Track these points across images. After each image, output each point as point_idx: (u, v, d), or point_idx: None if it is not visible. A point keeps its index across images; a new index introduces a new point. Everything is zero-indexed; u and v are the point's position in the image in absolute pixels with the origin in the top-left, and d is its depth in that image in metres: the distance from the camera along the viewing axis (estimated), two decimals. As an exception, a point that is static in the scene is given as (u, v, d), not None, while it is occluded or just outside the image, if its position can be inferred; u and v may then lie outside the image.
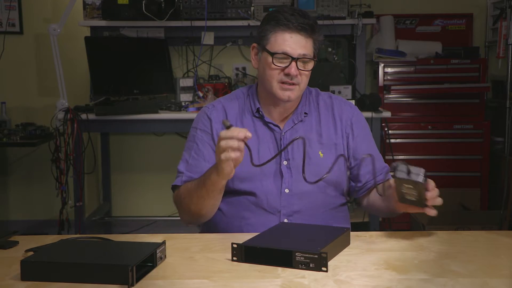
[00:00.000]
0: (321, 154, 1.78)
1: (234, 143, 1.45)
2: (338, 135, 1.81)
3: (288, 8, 1.73)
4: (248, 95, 1.84)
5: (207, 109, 1.83)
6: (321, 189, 1.77)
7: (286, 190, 1.75)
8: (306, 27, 1.68)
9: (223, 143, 1.45)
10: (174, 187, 1.79)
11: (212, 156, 1.75)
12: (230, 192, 1.78)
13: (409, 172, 1.45)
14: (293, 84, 1.70)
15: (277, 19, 1.69)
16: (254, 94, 1.83)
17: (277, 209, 1.74)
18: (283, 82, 1.70)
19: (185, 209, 1.70)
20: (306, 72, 1.72)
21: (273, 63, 1.69)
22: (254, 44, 1.78)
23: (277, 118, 1.80)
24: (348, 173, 1.82)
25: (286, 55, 1.68)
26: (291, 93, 1.72)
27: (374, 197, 1.78)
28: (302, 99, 1.82)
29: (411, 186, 1.47)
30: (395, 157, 3.88)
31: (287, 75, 1.69)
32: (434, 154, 3.98)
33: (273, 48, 1.69)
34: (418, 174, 1.45)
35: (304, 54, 1.68)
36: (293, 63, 1.68)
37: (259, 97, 1.81)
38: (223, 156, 1.46)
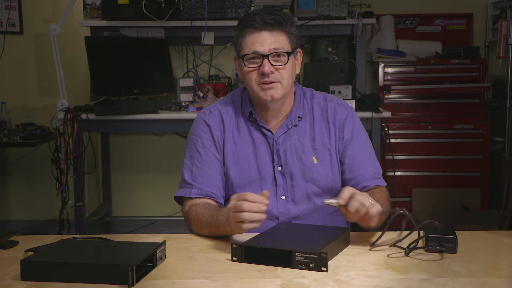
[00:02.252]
0: (315, 160, 1.75)
1: (258, 217, 1.41)
2: (332, 139, 1.77)
3: (256, 10, 1.73)
4: (242, 98, 1.82)
5: (204, 115, 1.81)
6: (317, 195, 1.75)
7: (282, 197, 1.73)
8: (272, 22, 1.65)
9: (246, 215, 1.40)
10: (182, 198, 1.75)
11: (216, 164, 1.75)
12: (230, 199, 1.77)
13: None
14: (272, 82, 1.67)
15: (243, 22, 1.68)
16: (247, 97, 1.80)
17: (275, 215, 1.72)
18: (262, 83, 1.68)
19: (194, 231, 1.66)
20: (283, 67, 1.68)
21: (245, 65, 1.68)
22: (235, 55, 1.76)
23: (271, 121, 1.78)
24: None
25: (257, 54, 1.66)
26: (274, 92, 1.68)
27: None
28: (296, 102, 1.79)
29: None
30: (395, 157, 3.88)
31: (263, 74, 1.66)
32: (434, 154, 3.97)
33: (244, 51, 1.68)
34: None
35: (275, 48, 1.66)
36: (265, 61, 1.65)
37: (252, 101, 1.79)
38: (244, 226, 1.42)
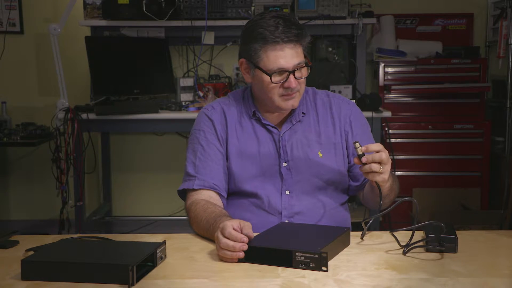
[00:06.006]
0: (320, 154, 1.78)
1: (237, 255, 1.37)
2: (337, 134, 1.81)
3: (270, 18, 1.67)
4: (243, 97, 1.84)
5: (207, 110, 1.83)
6: (321, 189, 1.77)
7: (287, 192, 1.75)
8: (293, 38, 1.66)
9: (220, 252, 1.38)
10: (185, 190, 1.76)
11: (218, 156, 1.77)
12: (233, 193, 1.78)
13: None
14: (293, 92, 1.71)
15: (264, 37, 1.65)
16: (249, 96, 1.82)
17: (278, 210, 1.74)
18: (285, 95, 1.70)
19: (193, 228, 1.67)
20: (303, 78, 1.72)
21: (272, 82, 1.68)
22: (243, 60, 1.75)
23: (275, 120, 1.80)
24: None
25: (282, 70, 1.67)
26: (294, 101, 1.72)
27: (366, 189, 1.81)
28: None
29: None
30: (396, 157, 3.88)
31: (287, 88, 1.68)
32: (434, 154, 3.97)
33: (267, 66, 1.67)
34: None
35: (298, 64, 1.67)
36: (291, 76, 1.67)
37: (256, 102, 1.81)
38: (221, 255, 1.39)
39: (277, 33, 1.64)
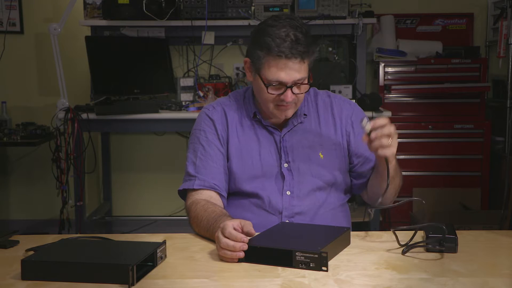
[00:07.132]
0: (321, 155, 1.77)
1: (237, 255, 1.37)
2: (338, 135, 1.81)
3: (281, 28, 1.63)
4: (244, 97, 1.84)
5: (208, 110, 1.83)
6: (322, 190, 1.77)
7: (288, 192, 1.75)
8: (298, 55, 1.63)
9: (221, 252, 1.38)
10: (185, 190, 1.76)
11: (219, 156, 1.77)
12: (233, 193, 1.78)
13: None
14: (289, 104, 1.69)
15: (269, 47, 1.63)
16: (250, 97, 1.82)
17: (279, 210, 1.74)
18: (280, 105, 1.69)
19: (193, 228, 1.67)
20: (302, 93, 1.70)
21: (268, 92, 1.67)
22: (247, 59, 1.75)
23: (276, 121, 1.80)
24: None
25: (281, 83, 1.66)
26: (289, 112, 1.72)
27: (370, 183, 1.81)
28: None
29: None
30: (395, 157, 3.88)
31: (283, 100, 1.67)
32: (434, 153, 3.97)
33: (267, 76, 1.66)
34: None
35: (299, 79, 1.66)
36: (288, 91, 1.66)
37: (257, 103, 1.81)
38: (222, 255, 1.39)
39: (283, 47, 1.62)
